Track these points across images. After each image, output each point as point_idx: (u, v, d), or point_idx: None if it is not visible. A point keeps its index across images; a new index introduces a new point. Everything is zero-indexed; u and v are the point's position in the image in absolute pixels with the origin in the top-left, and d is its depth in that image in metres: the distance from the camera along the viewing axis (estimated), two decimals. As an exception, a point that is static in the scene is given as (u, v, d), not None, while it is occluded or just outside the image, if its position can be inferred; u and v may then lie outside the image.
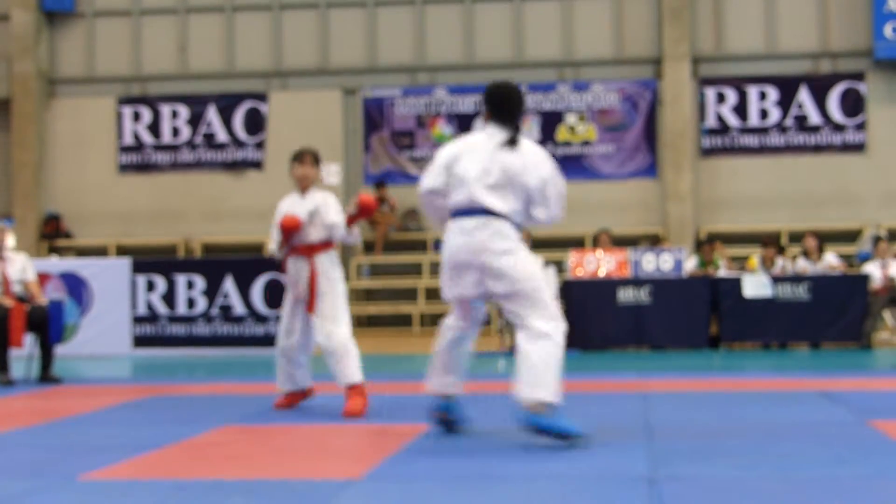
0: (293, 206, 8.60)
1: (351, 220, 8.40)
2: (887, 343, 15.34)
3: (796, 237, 18.63)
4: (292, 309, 8.74)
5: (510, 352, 12.11)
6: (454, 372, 7.13)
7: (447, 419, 7.21)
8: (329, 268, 8.55)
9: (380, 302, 20.70)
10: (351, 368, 8.30)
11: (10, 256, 11.83)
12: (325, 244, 8.58)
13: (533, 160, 6.77)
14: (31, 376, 11.74)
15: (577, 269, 15.63)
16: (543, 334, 6.55)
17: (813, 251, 16.28)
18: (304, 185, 8.69)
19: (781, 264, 16.39)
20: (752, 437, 7.03)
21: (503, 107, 6.93)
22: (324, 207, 8.49)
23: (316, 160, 8.88)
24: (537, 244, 17.16)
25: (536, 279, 6.72)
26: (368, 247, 21.12)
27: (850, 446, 6.60)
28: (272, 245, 8.87)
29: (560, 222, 7.16)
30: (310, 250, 8.53)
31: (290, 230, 8.42)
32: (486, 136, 6.88)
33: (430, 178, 7.05)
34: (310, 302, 8.47)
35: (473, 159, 6.77)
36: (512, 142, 6.76)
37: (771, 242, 16.67)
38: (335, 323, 8.42)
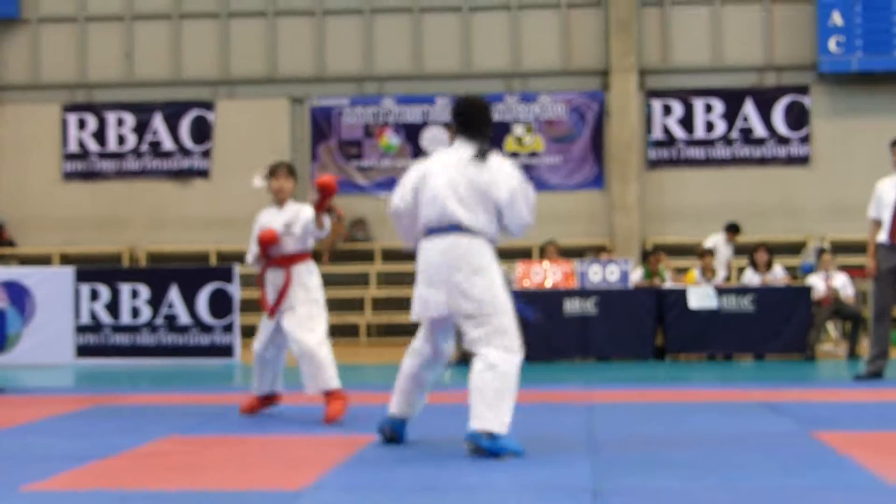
0: (271, 218, 8.77)
1: (318, 208, 8.36)
2: (830, 354, 15.48)
3: (742, 250, 18.78)
4: (268, 321, 8.84)
5: (459, 363, 12.12)
6: (415, 397, 7.14)
7: (392, 436, 7.20)
8: (306, 277, 8.76)
9: (332, 311, 20.58)
10: (326, 375, 8.41)
11: (-48, 264, 11.77)
12: (302, 255, 8.79)
13: (502, 173, 6.77)
14: (-27, 386, 11.67)
15: (523, 280, 15.68)
16: (500, 365, 6.56)
17: (762, 264, 16.41)
18: (280, 198, 8.85)
19: (722, 274, 16.52)
20: (698, 448, 7.07)
21: (471, 122, 6.96)
22: (299, 214, 8.61)
23: (291, 172, 9.02)
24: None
25: (503, 306, 6.73)
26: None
27: (794, 457, 6.65)
28: (249, 257, 9.05)
29: (530, 231, 7.19)
30: (287, 261, 8.73)
31: (268, 244, 8.61)
32: (454, 152, 6.92)
33: (398, 197, 7.09)
34: (273, 308, 8.62)
35: (443, 175, 6.79)
36: (481, 156, 6.76)
37: (707, 253, 16.80)
38: (309, 331, 8.54)
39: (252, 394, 9.13)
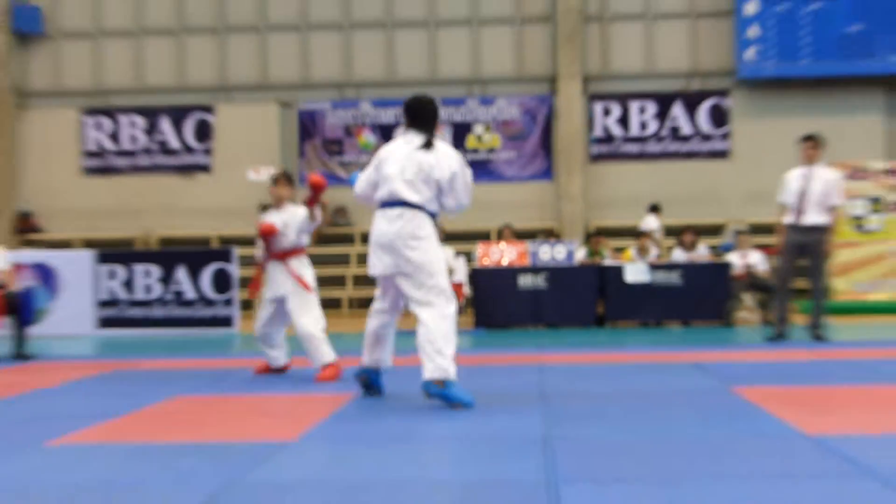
0: (270, 216, 9.02)
1: (310, 203, 8.59)
2: (746, 321, 15.54)
3: (671, 231, 18.86)
4: (267, 304, 9.06)
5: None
6: (380, 350, 7.37)
7: (367, 382, 7.46)
8: (300, 269, 8.90)
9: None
10: (320, 352, 8.66)
11: (-14, 248, 11.72)
12: (297, 250, 8.98)
13: (444, 157, 7.05)
14: (6, 354, 11.57)
15: (483, 258, 15.67)
16: (434, 321, 6.79)
17: (688, 244, 16.51)
18: (278, 203, 9.08)
19: (655, 252, 16.59)
20: (633, 402, 7.12)
21: (419, 116, 7.20)
22: (294, 215, 8.85)
23: (289, 180, 9.29)
24: (450, 237, 17.22)
25: (435, 266, 6.96)
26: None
27: (716, 409, 6.70)
28: (258, 252, 9.33)
29: (467, 210, 7.39)
30: (284, 255, 8.92)
31: (268, 235, 8.86)
32: (404, 142, 7.16)
33: (359, 188, 7.39)
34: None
35: (394, 161, 7.05)
36: (427, 144, 7.04)
37: (643, 234, 16.87)
38: (305, 315, 8.73)
39: (264, 361, 9.31)
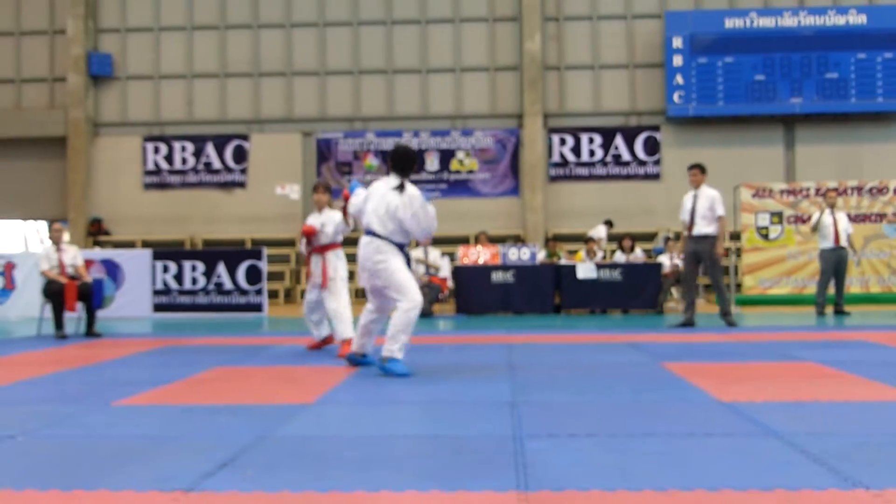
0: (312, 220, 9.14)
1: (344, 211, 8.60)
2: (673, 310, 15.60)
3: (613, 238, 18.90)
4: (311, 289, 9.17)
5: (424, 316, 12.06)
6: (367, 339, 7.59)
7: (353, 363, 7.67)
8: (335, 261, 8.99)
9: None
10: (341, 328, 8.69)
11: (65, 248, 11.75)
12: (333, 245, 9.01)
13: (409, 200, 7.16)
14: (79, 332, 11.58)
15: (463, 258, 15.69)
16: (403, 309, 7.04)
17: (627, 248, 16.57)
18: (319, 207, 9.19)
19: (601, 254, 16.63)
20: (582, 373, 7.11)
21: (398, 163, 7.32)
22: (332, 217, 8.94)
23: (327, 189, 9.35)
24: (437, 241, 17.24)
25: (398, 277, 7.12)
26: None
27: (648, 380, 6.71)
28: (301, 247, 9.36)
29: (439, 229, 7.71)
30: (322, 249, 9.00)
31: (309, 235, 8.99)
32: (384, 182, 7.33)
33: (353, 209, 7.62)
34: (323, 281, 8.91)
35: (374, 198, 7.26)
36: (400, 187, 7.17)
37: (590, 240, 16.89)
38: (335, 299, 8.83)
39: (314, 339, 9.36)
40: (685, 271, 12.13)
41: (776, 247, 17.46)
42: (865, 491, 3.53)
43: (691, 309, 11.93)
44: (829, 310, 14.27)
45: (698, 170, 11.96)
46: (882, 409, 5.36)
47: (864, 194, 17.39)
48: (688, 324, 11.74)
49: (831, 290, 14.29)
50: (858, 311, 14.69)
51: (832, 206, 14.44)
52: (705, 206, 11.64)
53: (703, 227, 11.66)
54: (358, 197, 7.51)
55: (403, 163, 7.28)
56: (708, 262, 11.78)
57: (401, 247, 7.24)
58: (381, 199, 7.18)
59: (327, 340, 9.25)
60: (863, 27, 20.54)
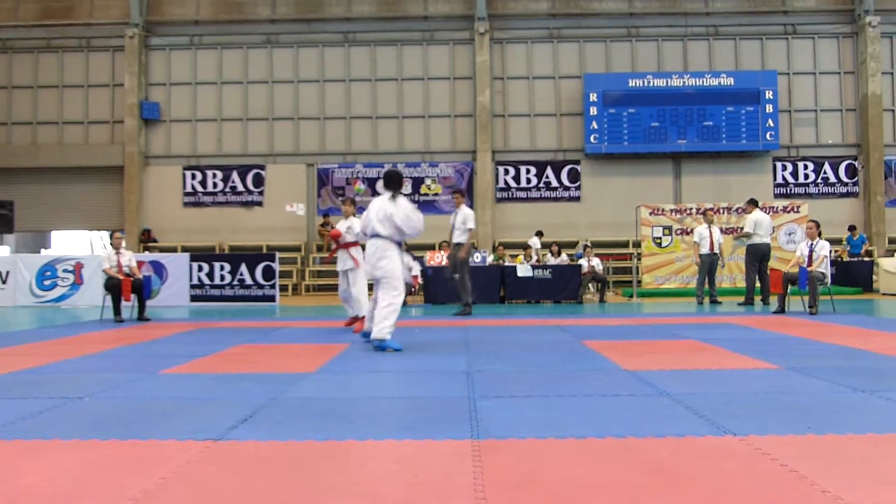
0: (340, 224, 9.35)
1: (336, 234, 9.02)
2: (589, 301, 15.67)
3: (545, 245, 18.97)
4: (342, 278, 9.32)
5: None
6: (371, 321, 7.53)
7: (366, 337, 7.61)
8: (357, 255, 9.12)
9: (326, 278, 20.48)
10: (358, 307, 9.03)
11: (122, 252, 11.61)
12: (354, 243, 9.18)
13: (400, 207, 7.23)
14: (132, 317, 11.43)
15: (430, 261, 15.67)
16: (389, 299, 7.09)
17: (555, 253, 16.61)
18: (346, 215, 9.43)
19: (536, 257, 16.67)
20: (521, 349, 7.13)
21: (389, 182, 7.42)
22: (353, 223, 9.11)
23: (353, 203, 9.57)
24: (410, 247, 17.19)
25: (393, 273, 7.17)
26: (319, 248, 20.93)
27: (570, 353, 6.74)
28: (328, 245, 9.38)
29: (421, 235, 7.56)
30: (346, 246, 9.22)
31: (336, 237, 9.24)
32: (382, 197, 7.38)
33: (359, 226, 7.80)
34: (356, 263, 9.04)
35: (375, 208, 7.30)
36: (392, 198, 7.25)
37: (528, 247, 16.92)
38: (355, 284, 9.09)
39: (349, 317, 9.42)
40: (451, 268, 12.30)
41: (667, 252, 17.60)
42: (733, 437, 3.58)
43: (466, 296, 12.12)
44: (706, 300, 14.44)
45: (459, 194, 12.49)
46: (744, 375, 5.43)
47: (731, 213, 17.61)
48: (465, 309, 11.98)
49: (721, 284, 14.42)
50: (727, 301, 14.88)
51: (710, 223, 14.63)
52: (460, 221, 12.03)
53: (457, 237, 12.14)
54: (365, 213, 7.56)
55: (392, 182, 7.37)
56: (459, 263, 12.13)
57: (398, 245, 7.25)
58: (379, 208, 7.22)
59: (358, 318, 9.16)
60: (731, 87, 20.80)
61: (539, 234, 19.47)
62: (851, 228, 19.89)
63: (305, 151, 21.79)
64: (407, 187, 21.25)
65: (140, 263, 13.50)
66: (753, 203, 14.07)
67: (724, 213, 17.66)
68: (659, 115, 20.76)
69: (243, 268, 15.56)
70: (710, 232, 14.35)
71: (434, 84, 21.76)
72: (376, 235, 7.19)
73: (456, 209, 12.09)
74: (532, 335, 8.52)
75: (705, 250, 14.32)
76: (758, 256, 13.54)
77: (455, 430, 3.74)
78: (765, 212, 15.61)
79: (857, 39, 21.40)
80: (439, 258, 15.65)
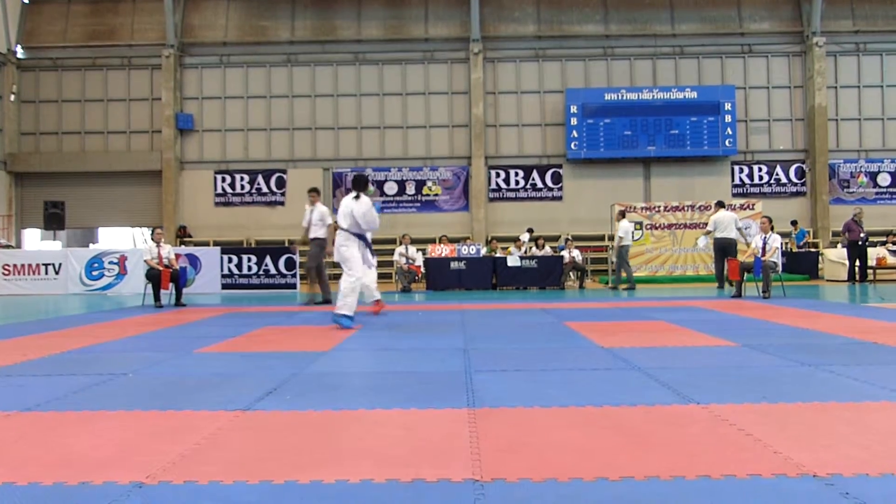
0: (310, 214, 9.35)
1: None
2: (571, 287, 15.67)
3: (532, 239, 18.94)
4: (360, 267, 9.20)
5: (402, 291, 11.96)
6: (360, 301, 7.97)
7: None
8: (331, 248, 9.27)
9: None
10: (373, 293, 9.05)
11: (162, 245, 11.60)
12: (324, 239, 9.54)
13: (360, 205, 7.55)
14: (170, 303, 11.42)
15: (432, 252, 15.65)
16: (344, 283, 7.41)
17: (540, 246, 16.59)
18: (313, 203, 9.57)
19: (524, 249, 16.67)
20: (511, 330, 7.13)
21: (356, 184, 7.69)
22: (320, 211, 9.31)
23: (318, 192, 9.84)
24: (414, 241, 17.17)
25: (352, 258, 7.50)
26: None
27: (554, 333, 6.73)
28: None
29: (377, 231, 8.02)
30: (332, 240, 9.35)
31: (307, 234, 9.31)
32: (350, 196, 7.70)
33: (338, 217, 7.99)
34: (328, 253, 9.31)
35: (344, 205, 7.65)
36: (356, 197, 7.57)
37: (518, 240, 16.89)
38: (368, 278, 8.87)
39: (369, 303, 9.27)
40: (312, 256, 10.96)
41: (638, 245, 17.60)
42: (696, 405, 3.58)
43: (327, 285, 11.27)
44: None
45: (315, 193, 10.77)
46: (706, 351, 5.43)
47: (695, 210, 17.61)
48: (405, 290, 11.90)
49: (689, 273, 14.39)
50: (691, 287, 14.88)
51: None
52: (318, 217, 10.76)
53: (315, 231, 10.76)
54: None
55: (358, 184, 7.67)
56: (316, 250, 10.84)
57: (359, 236, 7.52)
58: (345, 206, 7.57)
59: (378, 303, 9.08)
60: (694, 100, 20.75)
61: (530, 230, 19.45)
62: (793, 223, 19.99)
63: (322, 157, 21.72)
64: (411, 188, 21.23)
65: (177, 256, 13.50)
66: (720, 205, 14.07)
67: (688, 210, 17.69)
68: (631, 125, 20.72)
69: (268, 259, 15.52)
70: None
71: (434, 98, 21.68)
72: (341, 228, 7.57)
73: (312, 206, 10.88)
74: (521, 317, 8.53)
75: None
76: (717, 248, 13.59)
77: (454, 400, 3.74)
78: (731, 210, 15.56)
79: (805, 58, 21.39)
80: (439, 250, 15.62)
